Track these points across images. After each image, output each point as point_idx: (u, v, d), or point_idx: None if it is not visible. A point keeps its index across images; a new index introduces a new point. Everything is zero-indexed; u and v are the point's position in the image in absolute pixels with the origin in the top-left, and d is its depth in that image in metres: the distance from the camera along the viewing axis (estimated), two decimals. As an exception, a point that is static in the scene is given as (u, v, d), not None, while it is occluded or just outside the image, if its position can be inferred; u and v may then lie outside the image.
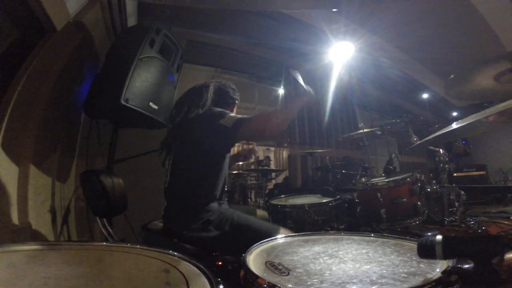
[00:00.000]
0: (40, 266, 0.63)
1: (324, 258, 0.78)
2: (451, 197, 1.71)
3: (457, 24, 3.00)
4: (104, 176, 1.36)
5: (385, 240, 0.93)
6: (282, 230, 1.30)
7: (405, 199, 1.82)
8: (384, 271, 0.66)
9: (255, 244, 0.90)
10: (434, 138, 1.10)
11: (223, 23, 3.05)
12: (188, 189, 1.28)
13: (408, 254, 0.77)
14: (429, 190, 1.84)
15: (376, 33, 3.22)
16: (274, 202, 2.15)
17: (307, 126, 4.08)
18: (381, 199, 1.84)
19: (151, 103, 1.72)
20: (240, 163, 2.27)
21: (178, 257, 0.74)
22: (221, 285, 0.60)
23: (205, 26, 3.04)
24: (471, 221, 1.43)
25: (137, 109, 1.60)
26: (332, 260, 0.76)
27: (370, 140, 3.13)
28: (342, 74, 3.99)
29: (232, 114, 1.24)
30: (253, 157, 2.17)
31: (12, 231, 1.18)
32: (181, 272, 0.64)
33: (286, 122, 1.27)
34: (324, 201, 2.00)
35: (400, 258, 0.75)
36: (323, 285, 0.61)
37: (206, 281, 0.60)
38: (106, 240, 1.46)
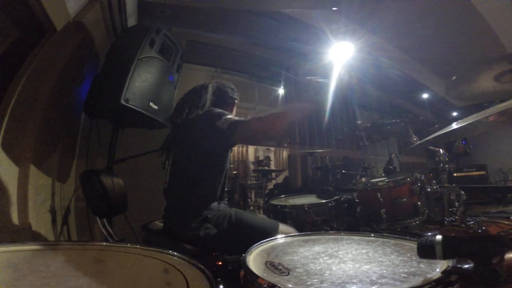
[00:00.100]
0: (40, 266, 0.63)
1: (324, 258, 0.78)
2: (451, 197, 1.71)
3: (457, 24, 3.00)
4: (104, 176, 1.36)
5: (385, 240, 0.93)
6: (280, 226, 1.30)
7: (405, 199, 1.82)
8: (384, 271, 0.66)
9: (255, 244, 0.90)
10: (434, 138, 1.10)
11: (223, 23, 3.05)
12: (188, 190, 1.29)
13: (408, 254, 0.77)
14: (429, 190, 1.84)
15: (376, 33, 3.22)
16: (274, 202, 2.15)
17: (307, 126, 4.08)
18: (381, 199, 1.84)
19: (151, 103, 1.72)
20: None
21: (178, 257, 0.74)
22: (221, 285, 0.60)
23: (205, 26, 3.04)
24: (471, 221, 1.43)
25: (137, 109, 1.60)
26: (332, 260, 0.76)
27: (370, 140, 3.12)
28: (342, 74, 3.99)
29: (229, 116, 1.23)
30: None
31: (12, 231, 1.18)
32: (181, 272, 0.64)
33: (282, 126, 1.23)
34: (324, 201, 2.00)
35: (400, 258, 0.75)
36: (323, 285, 0.61)
37: (206, 281, 0.60)
38: (106, 240, 1.46)
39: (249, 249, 0.85)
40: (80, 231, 1.87)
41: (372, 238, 0.96)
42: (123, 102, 1.50)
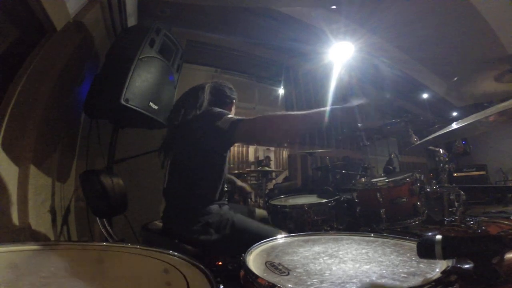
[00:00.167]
0: (40, 266, 0.63)
1: (324, 258, 0.78)
2: (451, 197, 1.71)
3: (457, 24, 3.00)
4: (104, 176, 1.36)
5: (385, 240, 0.93)
6: (282, 233, 1.30)
7: (405, 199, 1.82)
8: (384, 271, 0.66)
9: (255, 244, 0.90)
10: (434, 138, 1.10)
11: (223, 23, 3.05)
12: (187, 190, 1.28)
13: (408, 254, 0.77)
14: (429, 190, 1.84)
15: (376, 33, 3.22)
16: (274, 202, 2.15)
17: (307, 126, 4.08)
18: (381, 199, 1.84)
19: (151, 103, 1.72)
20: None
21: (178, 257, 0.74)
22: (221, 285, 0.60)
23: (205, 26, 3.04)
24: (471, 221, 1.43)
25: (137, 109, 1.60)
26: (332, 260, 0.76)
27: (370, 140, 3.13)
28: (342, 74, 3.99)
29: (229, 116, 1.23)
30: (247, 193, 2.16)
31: (12, 231, 1.18)
32: (181, 272, 0.64)
33: (286, 129, 1.19)
34: (324, 201, 2.00)
35: (399, 258, 0.75)
36: (323, 285, 0.61)
37: (206, 281, 0.60)
38: (106, 240, 1.46)
39: (249, 249, 0.85)
40: (80, 231, 1.87)
41: (372, 238, 0.96)
42: (123, 102, 1.50)
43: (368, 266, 0.70)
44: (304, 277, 0.66)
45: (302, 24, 3.08)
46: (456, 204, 1.67)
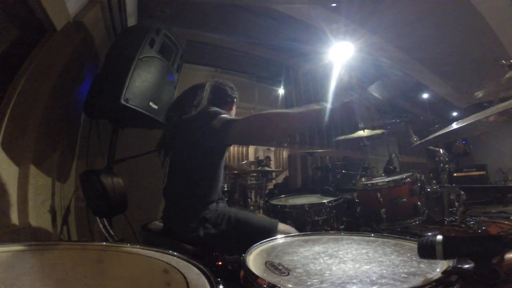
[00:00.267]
0: (40, 266, 0.63)
1: (324, 258, 0.78)
2: (451, 197, 1.71)
3: (457, 24, 3.00)
4: (104, 176, 1.36)
5: (385, 240, 0.93)
6: (280, 225, 1.30)
7: (405, 199, 1.82)
8: (384, 271, 0.66)
9: (255, 244, 0.90)
10: (434, 138, 1.10)
11: (223, 23, 3.05)
12: (186, 189, 1.28)
13: (408, 254, 0.77)
14: (429, 190, 1.84)
15: (376, 33, 3.22)
16: (274, 202, 2.15)
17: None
18: (381, 199, 1.84)
19: (151, 103, 1.72)
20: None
21: (178, 257, 0.74)
22: (221, 285, 0.60)
23: (205, 26, 3.04)
24: (471, 221, 1.43)
25: (137, 109, 1.60)
26: (332, 260, 0.76)
27: (370, 140, 3.13)
28: (342, 74, 3.99)
29: (224, 115, 1.21)
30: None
31: (12, 231, 1.18)
32: (181, 272, 0.64)
33: (284, 127, 1.15)
34: (324, 201, 2.00)
35: (400, 258, 0.75)
36: (323, 285, 0.61)
37: (206, 281, 0.60)
38: (106, 240, 1.46)
39: (249, 249, 0.85)
40: (80, 231, 1.87)
41: (372, 238, 0.96)
42: (123, 102, 1.50)
43: (368, 266, 0.70)
44: (304, 277, 0.65)
45: (302, 24, 3.08)
46: (456, 204, 1.67)
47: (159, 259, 0.72)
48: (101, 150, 1.90)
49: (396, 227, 1.80)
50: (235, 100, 1.51)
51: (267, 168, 3.51)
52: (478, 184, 4.37)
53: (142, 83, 1.64)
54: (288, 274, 0.68)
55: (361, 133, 2.55)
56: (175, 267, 0.67)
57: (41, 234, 1.40)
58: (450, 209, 1.71)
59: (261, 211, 3.32)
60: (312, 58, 3.72)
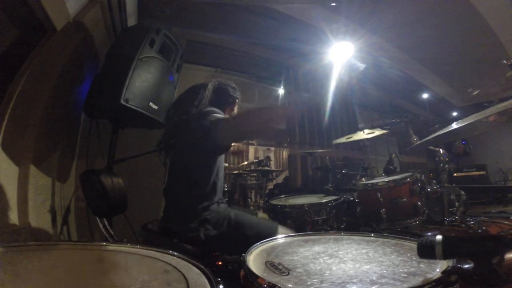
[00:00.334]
0: (40, 266, 0.63)
1: (324, 258, 0.78)
2: (451, 197, 1.71)
3: (457, 24, 3.00)
4: (104, 176, 1.36)
5: (385, 240, 0.93)
6: (280, 228, 1.30)
7: (405, 199, 1.82)
8: (384, 271, 0.66)
9: (255, 244, 0.90)
10: (434, 138, 1.10)
11: (223, 23, 3.05)
12: (186, 189, 1.28)
13: (408, 254, 0.77)
14: (429, 190, 1.84)
15: (376, 33, 3.22)
16: (274, 202, 2.15)
17: (307, 126, 4.08)
18: (381, 199, 1.84)
19: (151, 103, 1.71)
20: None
21: (178, 257, 0.74)
22: (221, 285, 0.60)
23: (205, 26, 3.04)
24: (471, 221, 1.43)
25: (137, 109, 1.60)
26: (332, 260, 0.76)
27: (370, 140, 3.13)
28: (342, 74, 3.99)
29: (215, 114, 1.21)
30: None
31: (12, 231, 1.18)
32: (181, 272, 0.64)
33: (266, 123, 1.11)
34: (324, 201, 2.00)
35: (400, 258, 0.75)
36: (323, 285, 0.61)
37: (206, 281, 0.60)
38: (106, 240, 1.46)
39: (249, 249, 0.85)
40: (80, 231, 1.87)
41: (372, 238, 0.96)
42: (123, 102, 1.50)
43: (368, 266, 0.70)
44: (304, 277, 0.65)
45: (302, 24, 3.08)
46: (456, 204, 1.67)
47: (159, 259, 0.72)
48: (101, 150, 1.90)
49: (396, 227, 1.80)
50: (237, 100, 1.51)
51: (267, 168, 3.50)
52: (478, 184, 4.37)
53: (142, 83, 1.64)
54: (288, 274, 0.68)
55: (361, 134, 2.55)
56: (175, 267, 0.67)
57: (41, 234, 1.40)
58: (450, 209, 1.71)
59: (261, 211, 3.32)
60: (312, 58, 3.72)
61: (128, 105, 1.53)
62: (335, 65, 3.69)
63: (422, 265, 0.68)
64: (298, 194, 2.40)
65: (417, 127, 2.16)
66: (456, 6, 2.77)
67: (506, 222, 1.32)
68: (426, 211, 1.86)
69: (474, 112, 0.88)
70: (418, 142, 1.97)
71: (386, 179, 1.99)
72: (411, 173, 1.91)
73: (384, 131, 2.41)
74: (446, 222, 1.66)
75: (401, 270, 0.66)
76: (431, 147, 1.89)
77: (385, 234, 0.98)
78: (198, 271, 0.65)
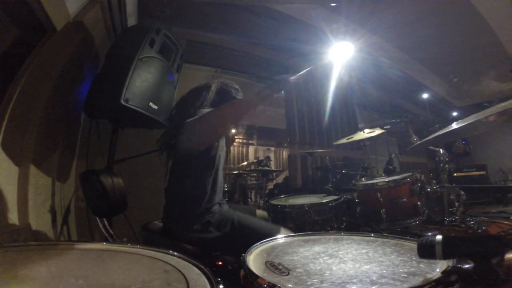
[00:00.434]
0: (40, 266, 0.63)
1: (324, 258, 0.78)
2: (451, 197, 1.71)
3: (457, 24, 3.00)
4: (104, 176, 1.36)
5: (385, 240, 0.93)
6: (283, 230, 1.30)
7: (405, 199, 1.82)
8: (384, 271, 0.66)
9: (255, 244, 0.90)
10: (434, 138, 1.10)
11: (223, 23, 3.05)
12: (186, 190, 1.28)
13: (408, 254, 0.77)
14: (429, 190, 1.84)
15: (376, 33, 3.22)
16: (274, 202, 2.15)
17: (307, 126, 4.08)
18: (381, 199, 1.84)
19: (151, 103, 1.71)
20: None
21: (178, 257, 0.74)
22: (221, 285, 0.60)
23: (205, 26, 3.04)
24: (471, 221, 1.43)
25: (137, 109, 1.60)
26: (332, 260, 0.76)
27: (370, 140, 3.13)
28: (342, 74, 3.99)
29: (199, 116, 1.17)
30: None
31: (12, 231, 1.18)
32: (181, 272, 0.64)
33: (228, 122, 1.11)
34: (324, 201, 2.00)
35: (400, 258, 0.75)
36: (323, 285, 0.61)
37: (206, 281, 0.60)
38: (106, 240, 1.46)
39: (249, 249, 0.85)
40: (80, 231, 1.87)
41: (372, 238, 0.96)
42: (123, 102, 1.50)
43: (368, 266, 0.70)
44: (304, 277, 0.65)
45: (302, 24, 3.08)
46: (456, 204, 1.68)
47: (159, 259, 0.72)
48: (101, 150, 1.90)
49: (396, 227, 1.80)
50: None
51: (267, 168, 3.51)
52: (478, 184, 4.36)
53: (142, 83, 1.64)
54: (288, 274, 0.68)
55: (361, 134, 2.55)
56: (175, 267, 0.67)
57: (41, 234, 1.40)
58: (450, 209, 1.71)
59: (260, 209, 3.32)
60: (312, 58, 3.71)
61: (128, 105, 1.53)
62: (335, 65, 3.68)
63: (422, 265, 0.68)
64: (298, 194, 2.40)
65: (417, 127, 2.16)
66: (456, 6, 2.77)
67: (506, 222, 1.32)
68: (426, 211, 1.86)
69: (474, 112, 0.88)
70: (418, 142, 1.97)
71: (386, 179, 1.99)
72: (411, 173, 1.91)
73: (382, 131, 2.41)
74: (446, 222, 1.66)
75: (401, 270, 0.66)
76: (431, 147, 1.89)
77: (385, 234, 0.98)
78: (198, 271, 0.65)
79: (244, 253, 0.81)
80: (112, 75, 1.61)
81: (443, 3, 2.76)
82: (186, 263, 0.70)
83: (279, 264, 0.74)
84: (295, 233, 1.33)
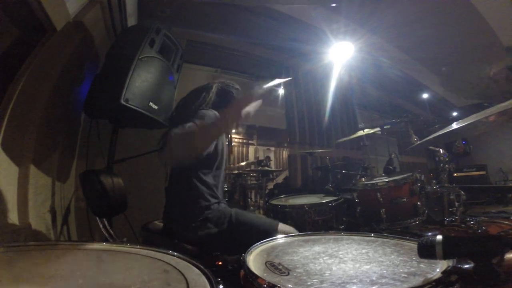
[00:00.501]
0: (40, 266, 0.63)
1: (324, 258, 0.78)
2: (451, 197, 1.71)
3: (457, 24, 3.00)
4: (104, 176, 1.36)
5: (385, 240, 0.93)
6: (280, 225, 1.30)
7: (405, 199, 1.82)
8: (384, 271, 0.66)
9: (255, 244, 0.90)
10: (434, 138, 1.10)
11: (223, 23, 3.05)
12: (186, 189, 1.29)
13: (408, 254, 0.77)
14: (429, 190, 1.84)
15: (376, 33, 3.22)
16: (274, 202, 2.15)
17: (307, 126, 4.08)
18: (381, 199, 1.84)
19: (151, 103, 1.71)
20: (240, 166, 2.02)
21: (178, 257, 0.74)
22: (221, 285, 0.60)
23: (205, 26, 3.04)
24: (471, 221, 1.43)
25: (137, 109, 1.60)
26: (332, 260, 0.76)
27: (370, 140, 3.13)
28: (342, 74, 3.99)
29: (190, 124, 1.05)
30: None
31: (12, 231, 1.18)
32: (181, 272, 0.64)
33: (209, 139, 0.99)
34: (324, 201, 2.00)
35: (400, 258, 0.75)
36: (323, 285, 0.61)
37: (206, 281, 0.60)
38: (106, 240, 1.46)
39: (249, 249, 0.85)
40: (80, 231, 1.87)
41: (372, 238, 0.96)
42: (123, 102, 1.50)
43: (368, 266, 0.70)
44: (304, 277, 0.65)
45: (302, 24, 3.08)
46: (456, 204, 1.67)
47: (159, 259, 0.72)
48: (101, 150, 1.90)
49: (396, 227, 1.80)
50: None
51: (267, 168, 3.51)
52: (478, 184, 4.36)
53: (142, 83, 1.64)
54: (288, 274, 0.68)
55: (361, 132, 2.56)
56: (175, 267, 0.67)
57: (41, 234, 1.40)
58: (450, 209, 1.71)
59: (261, 211, 3.32)
60: (312, 58, 3.72)
61: (128, 105, 1.53)
62: (335, 65, 3.69)
63: (422, 265, 0.68)
64: (298, 194, 2.41)
65: (417, 127, 2.16)
66: (456, 6, 2.77)
67: (506, 222, 1.32)
68: (426, 211, 1.86)
69: (474, 112, 0.88)
70: (418, 142, 1.97)
71: (386, 179, 1.99)
72: (411, 173, 1.91)
73: (376, 129, 2.45)
74: (446, 222, 1.66)
75: (401, 270, 0.66)
76: (431, 147, 1.89)
77: (385, 234, 0.98)
78: (198, 271, 0.65)
79: (244, 251, 0.81)
80: (112, 75, 1.61)
81: (443, 3, 2.76)
82: (186, 263, 0.70)
83: (279, 264, 0.74)
84: (295, 228, 1.33)
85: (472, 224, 1.40)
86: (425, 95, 5.28)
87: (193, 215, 1.24)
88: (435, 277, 0.60)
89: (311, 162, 3.86)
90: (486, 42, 3.22)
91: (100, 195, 1.33)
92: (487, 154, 5.15)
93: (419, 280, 0.60)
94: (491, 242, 0.56)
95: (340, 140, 2.82)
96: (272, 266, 0.73)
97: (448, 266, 0.62)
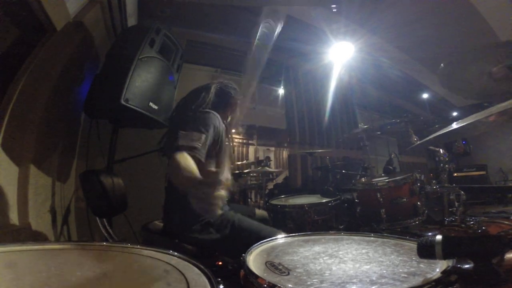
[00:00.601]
0: (40, 266, 0.63)
1: (324, 258, 0.78)
2: (451, 197, 1.71)
3: (457, 24, 3.00)
4: (104, 176, 1.36)
5: (385, 240, 0.93)
6: (282, 234, 1.29)
7: (405, 199, 1.82)
8: (384, 271, 0.66)
9: (255, 244, 0.90)
10: (434, 138, 1.10)
11: (223, 23, 3.05)
12: (187, 189, 1.28)
13: (408, 254, 0.77)
14: (429, 190, 1.84)
15: (376, 33, 3.21)
16: (274, 202, 2.15)
17: (307, 126, 4.08)
18: (381, 199, 1.84)
19: (151, 103, 1.72)
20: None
21: (178, 257, 0.74)
22: (221, 285, 0.60)
23: (205, 26, 3.03)
24: (471, 221, 1.43)
25: (137, 109, 1.60)
26: (332, 260, 0.76)
27: (370, 140, 3.12)
28: (342, 74, 3.99)
29: (191, 138, 1.11)
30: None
31: (12, 231, 1.19)
32: (181, 272, 0.64)
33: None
34: (324, 201, 2.00)
35: (400, 258, 0.75)
36: (323, 285, 0.61)
37: (206, 281, 0.60)
38: (106, 240, 1.46)
39: (249, 249, 0.85)
40: (80, 231, 1.87)
41: (372, 238, 0.96)
42: (123, 102, 1.50)
43: (368, 266, 0.70)
44: (304, 277, 0.66)
45: (302, 24, 3.08)
46: (456, 204, 1.67)
47: (159, 259, 0.72)
48: (101, 150, 1.90)
49: (396, 227, 1.80)
50: (238, 102, 1.51)
51: (267, 168, 3.50)
52: (478, 184, 4.36)
53: (142, 83, 1.64)
54: (288, 274, 0.68)
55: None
56: (175, 267, 0.67)
57: (41, 234, 1.40)
58: (450, 209, 1.71)
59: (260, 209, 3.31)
60: (312, 58, 3.72)
61: (128, 105, 1.53)
62: (335, 65, 3.69)
63: (422, 265, 0.68)
64: (298, 194, 2.40)
65: (417, 127, 2.16)
66: (456, 6, 2.77)
67: (506, 222, 1.31)
68: (426, 211, 1.86)
69: (474, 112, 0.88)
70: (418, 142, 1.97)
71: (386, 179, 1.99)
72: (411, 173, 1.91)
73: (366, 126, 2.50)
74: (446, 222, 1.66)
75: (401, 270, 0.66)
76: (431, 147, 1.89)
77: (385, 234, 0.98)
78: (198, 271, 0.65)
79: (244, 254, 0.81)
80: (112, 75, 1.61)
81: (443, 3, 2.76)
82: (186, 263, 0.70)
83: (279, 264, 0.74)
84: (295, 233, 1.32)
85: (472, 224, 1.40)
86: (425, 95, 5.28)
87: (194, 217, 1.23)
88: (435, 277, 0.60)
89: (311, 162, 3.86)
90: (486, 42, 3.22)
91: (100, 195, 1.33)
92: (487, 154, 5.15)
93: (418, 280, 0.60)
94: (491, 242, 0.56)
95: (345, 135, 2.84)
96: (272, 266, 0.73)
97: (448, 266, 0.62)
